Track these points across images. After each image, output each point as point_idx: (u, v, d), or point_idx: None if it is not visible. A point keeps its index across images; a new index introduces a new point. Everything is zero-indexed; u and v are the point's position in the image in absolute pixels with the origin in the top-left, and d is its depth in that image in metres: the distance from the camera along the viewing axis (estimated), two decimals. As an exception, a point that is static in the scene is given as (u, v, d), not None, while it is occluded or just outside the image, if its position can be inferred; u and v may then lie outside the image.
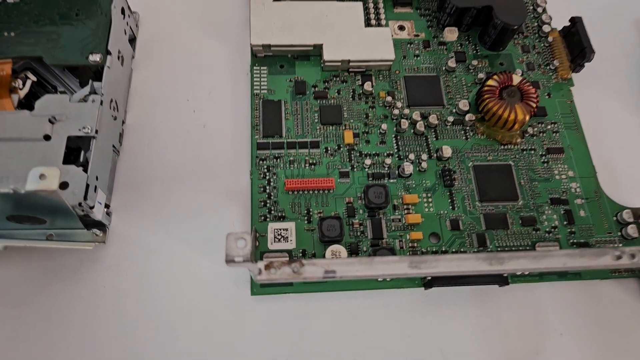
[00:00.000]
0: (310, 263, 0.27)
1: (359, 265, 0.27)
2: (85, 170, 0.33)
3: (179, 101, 0.43)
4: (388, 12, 0.46)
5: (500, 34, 0.43)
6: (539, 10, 0.47)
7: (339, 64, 0.42)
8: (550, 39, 0.45)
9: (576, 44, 0.44)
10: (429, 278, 0.35)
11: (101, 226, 0.37)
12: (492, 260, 0.28)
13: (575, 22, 0.44)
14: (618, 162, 0.42)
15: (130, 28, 0.44)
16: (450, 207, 0.38)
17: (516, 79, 0.41)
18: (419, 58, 0.44)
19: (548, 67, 0.45)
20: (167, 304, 0.35)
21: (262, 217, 0.37)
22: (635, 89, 0.46)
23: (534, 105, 0.40)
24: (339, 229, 0.36)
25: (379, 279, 0.36)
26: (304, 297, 0.36)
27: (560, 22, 0.46)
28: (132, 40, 0.45)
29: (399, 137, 0.41)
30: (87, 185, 0.33)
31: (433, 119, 0.41)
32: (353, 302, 0.36)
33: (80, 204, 0.32)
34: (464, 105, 0.42)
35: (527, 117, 0.40)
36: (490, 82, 0.41)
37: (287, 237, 0.37)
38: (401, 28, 0.46)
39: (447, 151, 0.40)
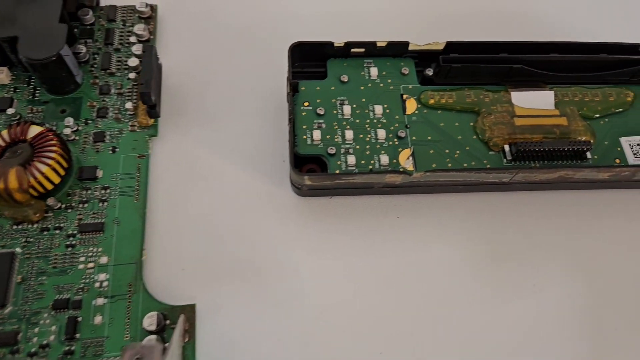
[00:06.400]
0: None
1: None
2: None
3: None
4: None
5: (38, 73, 0.32)
6: (132, 39, 0.36)
7: None
8: (132, 75, 0.35)
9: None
10: None
11: None
12: None
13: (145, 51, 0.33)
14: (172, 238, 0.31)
15: None
16: None
17: (34, 130, 0.30)
18: (-56, 109, 0.33)
19: (127, 113, 0.34)
20: None
21: None
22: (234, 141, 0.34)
23: (46, 165, 0.29)
24: None
25: None
26: None
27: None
28: None
29: None
30: None
31: None
32: None
33: None
34: (-37, 171, 0.30)
35: (25, 184, 0.28)
36: (-6, 138, 0.30)
37: None
38: (-61, 71, 0.34)
39: None
